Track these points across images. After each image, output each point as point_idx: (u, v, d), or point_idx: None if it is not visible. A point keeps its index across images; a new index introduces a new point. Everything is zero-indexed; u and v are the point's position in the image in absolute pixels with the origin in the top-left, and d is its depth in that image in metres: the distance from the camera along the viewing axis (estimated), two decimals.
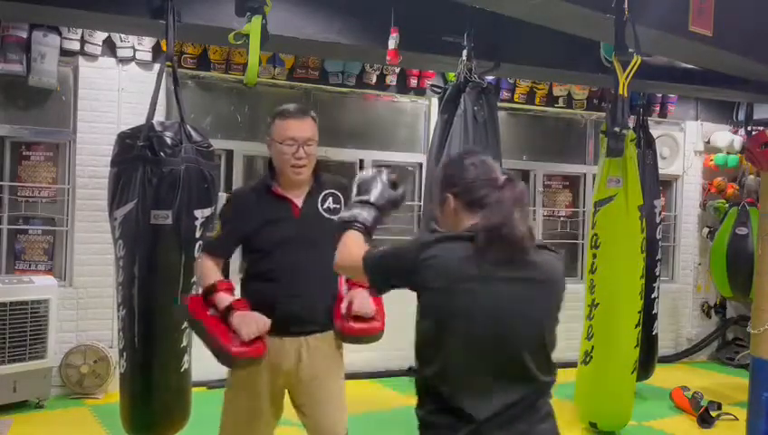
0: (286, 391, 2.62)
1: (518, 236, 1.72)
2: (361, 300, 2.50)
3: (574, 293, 5.68)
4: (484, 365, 1.70)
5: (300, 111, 2.61)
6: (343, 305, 2.52)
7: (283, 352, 2.52)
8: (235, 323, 2.35)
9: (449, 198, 1.84)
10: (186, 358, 3.26)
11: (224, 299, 2.44)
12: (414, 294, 1.77)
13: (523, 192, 1.80)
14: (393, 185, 2.06)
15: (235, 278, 2.74)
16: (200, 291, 2.57)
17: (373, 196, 2.01)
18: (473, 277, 1.70)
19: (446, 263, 1.72)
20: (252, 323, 2.36)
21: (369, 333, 2.51)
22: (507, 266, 1.72)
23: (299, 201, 2.58)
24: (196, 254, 3.14)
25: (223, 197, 5.37)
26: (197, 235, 3.13)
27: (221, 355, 2.38)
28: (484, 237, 1.71)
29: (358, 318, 2.50)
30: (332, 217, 2.53)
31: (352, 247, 1.92)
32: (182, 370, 3.25)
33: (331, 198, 2.62)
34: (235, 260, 2.90)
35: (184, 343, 3.22)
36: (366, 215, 1.98)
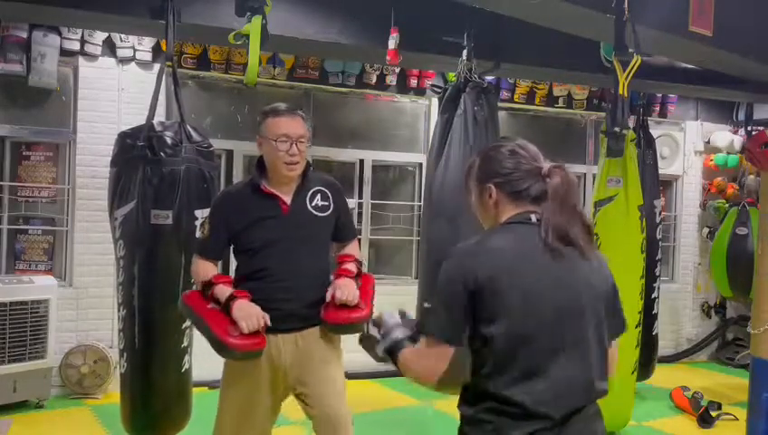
0: (284, 390, 2.62)
1: (567, 226, 1.68)
2: (344, 288, 2.52)
3: None
4: (553, 356, 1.63)
5: (290, 110, 2.64)
6: (328, 295, 2.55)
7: (279, 348, 2.54)
8: (235, 315, 2.38)
9: (490, 188, 1.77)
10: (186, 358, 3.27)
11: (224, 290, 2.46)
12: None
13: (571, 181, 1.75)
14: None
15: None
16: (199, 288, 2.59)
17: (401, 331, 1.82)
18: (532, 259, 1.65)
19: (500, 249, 1.67)
20: (252, 316, 2.39)
21: (352, 322, 2.50)
22: (568, 252, 1.67)
23: (287, 198, 2.60)
24: None
25: None
26: (198, 235, 3.13)
27: (222, 348, 2.39)
28: (546, 224, 1.67)
29: (342, 307, 2.51)
30: (320, 214, 2.62)
31: (421, 356, 1.73)
32: (183, 370, 3.25)
33: (319, 195, 2.66)
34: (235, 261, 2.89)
35: (185, 344, 3.23)
36: (400, 336, 1.81)
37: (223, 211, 2.61)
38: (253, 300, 2.47)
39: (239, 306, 2.41)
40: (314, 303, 2.57)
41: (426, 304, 1.88)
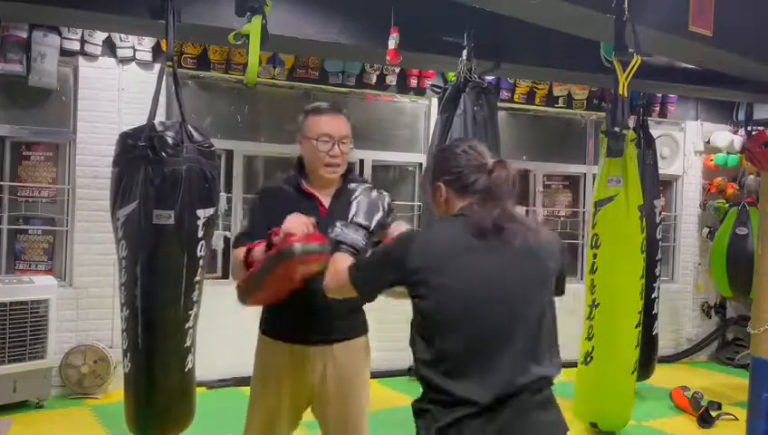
0: (307, 400, 2.53)
1: (507, 215, 1.76)
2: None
3: (574, 293, 5.69)
4: (480, 343, 1.70)
5: (333, 108, 2.54)
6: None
7: (308, 362, 2.44)
8: (284, 229, 2.23)
9: (440, 186, 1.86)
10: (189, 358, 3.27)
11: (260, 247, 2.32)
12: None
13: (507, 175, 1.81)
14: (389, 212, 2.10)
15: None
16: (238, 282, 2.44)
17: (373, 223, 2.04)
18: (460, 252, 1.73)
19: (431, 242, 1.77)
20: (296, 221, 2.25)
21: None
22: (496, 241, 1.74)
23: (326, 200, 2.49)
24: (199, 253, 3.14)
25: (224, 197, 5.40)
26: (200, 234, 3.13)
27: (282, 256, 2.19)
28: (473, 217, 1.75)
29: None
30: None
31: (340, 267, 1.92)
32: (186, 369, 3.25)
33: None
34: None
35: (188, 343, 3.23)
36: (360, 241, 2.00)
37: (263, 207, 2.51)
38: (283, 307, 2.37)
39: (282, 230, 2.24)
40: (346, 314, 2.46)
41: (369, 252, 1.97)
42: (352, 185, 2.43)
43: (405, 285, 1.77)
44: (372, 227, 2.03)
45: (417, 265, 1.72)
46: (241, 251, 2.39)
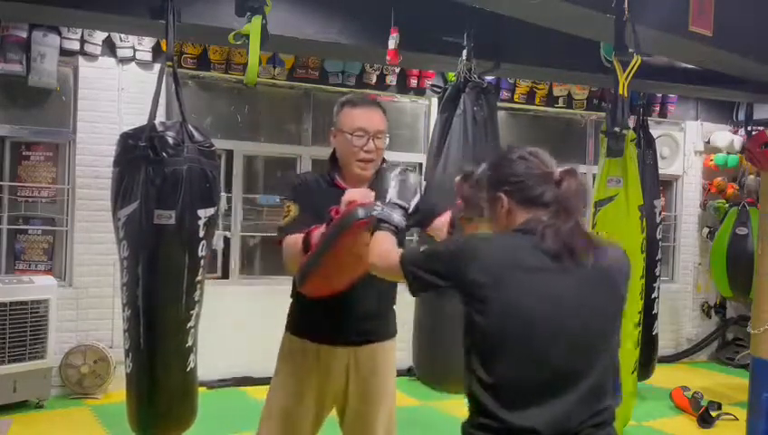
0: (331, 402, 2.47)
1: (577, 231, 1.63)
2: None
3: None
4: (544, 374, 1.58)
5: (369, 101, 2.45)
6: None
7: (334, 363, 2.39)
8: (345, 198, 2.14)
9: (501, 197, 1.71)
10: (191, 357, 3.27)
11: (318, 230, 2.19)
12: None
13: (580, 186, 1.69)
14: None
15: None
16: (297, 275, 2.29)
17: (411, 205, 1.98)
18: (527, 270, 1.60)
19: (495, 255, 1.62)
20: (354, 190, 2.18)
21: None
22: (568, 261, 1.61)
23: None
24: (200, 253, 3.14)
25: (224, 196, 5.39)
26: (201, 234, 3.13)
27: (346, 221, 2.08)
28: (543, 231, 1.62)
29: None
30: None
31: (388, 247, 1.85)
32: (188, 369, 3.25)
33: None
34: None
35: (189, 343, 3.23)
36: (399, 220, 1.94)
37: (304, 190, 2.40)
38: (311, 304, 2.30)
39: (343, 200, 2.14)
40: (374, 315, 2.42)
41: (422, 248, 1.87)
42: (386, 171, 2.28)
43: (459, 294, 1.66)
44: (411, 208, 1.97)
45: (477, 277, 1.59)
46: (297, 237, 2.24)
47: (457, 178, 2.02)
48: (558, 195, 1.67)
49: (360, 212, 2.03)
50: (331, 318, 2.34)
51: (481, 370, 1.61)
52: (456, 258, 1.66)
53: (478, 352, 1.63)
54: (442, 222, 2.30)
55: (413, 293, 1.80)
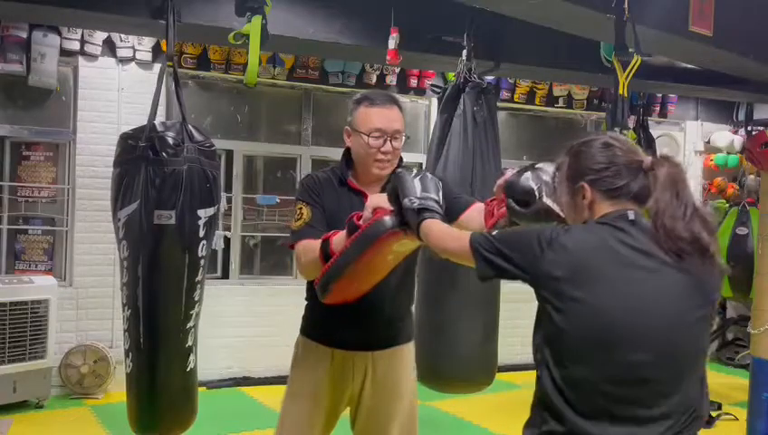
0: (344, 407, 2.43)
1: (676, 226, 1.46)
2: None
3: None
4: (621, 379, 1.46)
5: (387, 99, 2.33)
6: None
7: (348, 367, 2.33)
8: (371, 204, 2.07)
9: (584, 187, 1.57)
10: (191, 357, 3.27)
11: (340, 235, 2.11)
12: None
13: (677, 174, 1.51)
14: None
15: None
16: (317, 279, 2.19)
17: (439, 197, 1.88)
18: (610, 265, 1.47)
19: (575, 248, 1.49)
20: (379, 195, 2.10)
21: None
22: (662, 259, 1.47)
23: None
24: (201, 253, 3.14)
25: (224, 197, 5.39)
26: (201, 234, 3.13)
27: (374, 231, 2.00)
28: (632, 223, 1.49)
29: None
30: None
31: (452, 231, 1.74)
32: (188, 369, 3.25)
33: None
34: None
35: (189, 343, 3.23)
36: (439, 208, 1.84)
37: (316, 190, 2.31)
38: (328, 308, 2.20)
39: (368, 205, 2.06)
40: (393, 320, 2.36)
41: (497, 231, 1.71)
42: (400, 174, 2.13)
43: (532, 285, 1.54)
44: (441, 200, 1.87)
45: (552, 270, 1.48)
46: (314, 244, 2.16)
47: (500, 183, 1.91)
48: (647, 184, 1.52)
49: (389, 221, 1.96)
50: (350, 324, 2.28)
51: (555, 368, 1.50)
52: (531, 247, 1.52)
53: (553, 349, 1.51)
54: (471, 216, 2.20)
55: (481, 277, 1.62)
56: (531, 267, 1.51)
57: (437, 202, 1.87)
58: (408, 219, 1.85)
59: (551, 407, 1.49)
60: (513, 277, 1.56)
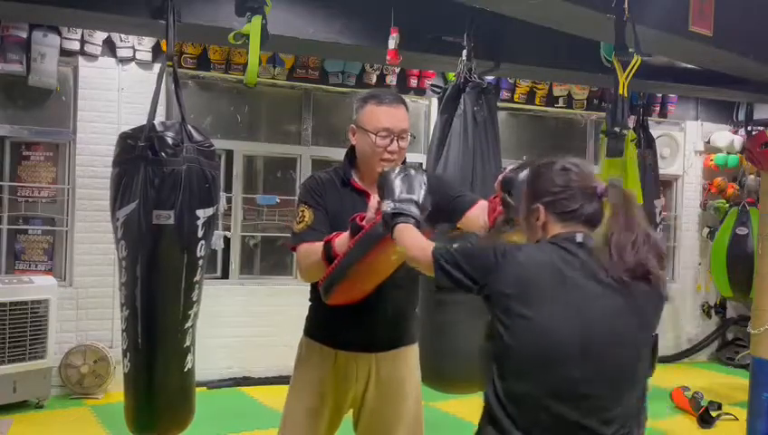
0: (348, 408, 2.42)
1: (623, 252, 1.53)
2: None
3: None
4: (562, 396, 1.52)
5: (395, 98, 2.33)
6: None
7: (352, 369, 2.32)
8: (372, 206, 2.07)
9: (539, 209, 1.65)
10: (189, 357, 3.27)
11: (343, 237, 2.10)
12: None
13: (629, 201, 1.60)
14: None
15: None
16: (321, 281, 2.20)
17: (420, 197, 1.89)
18: (555, 285, 1.54)
19: (524, 266, 1.57)
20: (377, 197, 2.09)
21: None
22: (599, 280, 1.54)
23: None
24: (199, 253, 3.14)
25: (224, 197, 5.40)
26: (200, 234, 3.13)
27: (378, 235, 1.99)
28: (579, 246, 1.56)
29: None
30: None
31: (420, 240, 1.78)
32: (186, 369, 3.25)
33: None
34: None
35: (187, 343, 3.23)
36: (416, 212, 1.86)
37: (318, 192, 2.30)
38: (331, 310, 2.21)
39: (370, 206, 2.07)
40: (396, 321, 2.35)
41: (455, 244, 1.78)
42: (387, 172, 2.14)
43: (483, 300, 1.61)
44: (421, 201, 1.89)
45: (502, 287, 1.56)
46: (316, 246, 2.16)
47: (499, 179, 1.94)
48: (598, 209, 1.60)
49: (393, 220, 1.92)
50: (353, 325, 2.27)
51: (499, 382, 1.57)
52: (487, 259, 1.60)
53: (499, 364, 1.58)
54: (475, 214, 2.19)
55: (437, 286, 1.71)
56: (483, 280, 1.59)
57: (417, 203, 1.88)
58: (384, 223, 1.87)
59: (494, 420, 1.56)
60: (467, 289, 1.63)
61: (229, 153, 5.82)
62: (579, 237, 1.59)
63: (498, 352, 1.58)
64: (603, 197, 1.61)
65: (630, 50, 3.42)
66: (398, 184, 1.91)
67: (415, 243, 1.78)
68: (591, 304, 1.54)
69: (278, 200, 6.04)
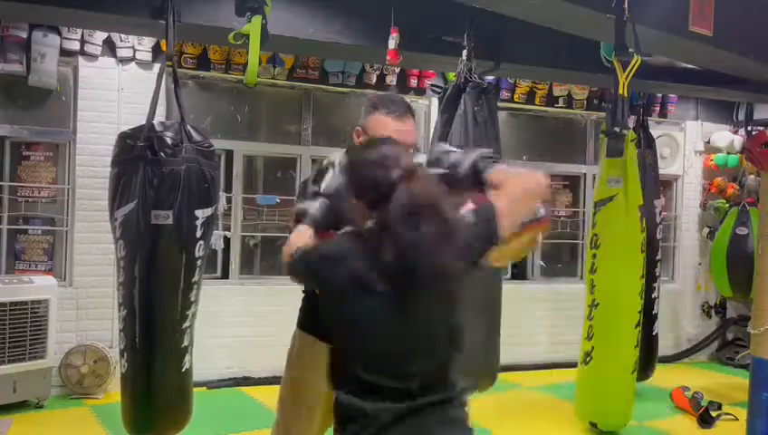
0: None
1: (401, 245, 1.52)
2: None
3: (574, 293, 5.68)
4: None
5: (404, 109, 2.29)
6: None
7: None
8: None
9: (354, 201, 1.68)
10: (187, 358, 3.27)
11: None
12: None
13: (422, 193, 1.57)
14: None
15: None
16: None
17: (322, 187, 2.04)
18: (341, 282, 1.63)
19: (321, 261, 1.73)
20: None
21: None
22: (384, 281, 1.56)
23: None
24: (198, 253, 3.13)
25: (224, 197, 5.41)
26: (198, 235, 3.13)
27: None
28: (367, 242, 1.60)
29: None
30: None
31: (295, 244, 1.86)
32: (183, 369, 3.25)
33: None
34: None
35: (185, 343, 3.23)
36: (314, 212, 1.97)
37: (317, 182, 2.28)
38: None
39: None
40: None
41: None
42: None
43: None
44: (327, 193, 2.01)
45: (325, 287, 1.75)
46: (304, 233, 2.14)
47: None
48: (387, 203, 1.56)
49: None
50: None
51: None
52: (312, 266, 1.76)
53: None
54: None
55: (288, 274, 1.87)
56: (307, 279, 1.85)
57: (324, 196, 2.02)
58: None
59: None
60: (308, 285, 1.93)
61: (229, 153, 5.82)
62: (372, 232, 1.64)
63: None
64: (394, 186, 1.60)
65: (630, 50, 3.43)
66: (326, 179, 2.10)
67: (287, 248, 1.88)
68: (363, 302, 1.64)
69: (278, 200, 6.03)
